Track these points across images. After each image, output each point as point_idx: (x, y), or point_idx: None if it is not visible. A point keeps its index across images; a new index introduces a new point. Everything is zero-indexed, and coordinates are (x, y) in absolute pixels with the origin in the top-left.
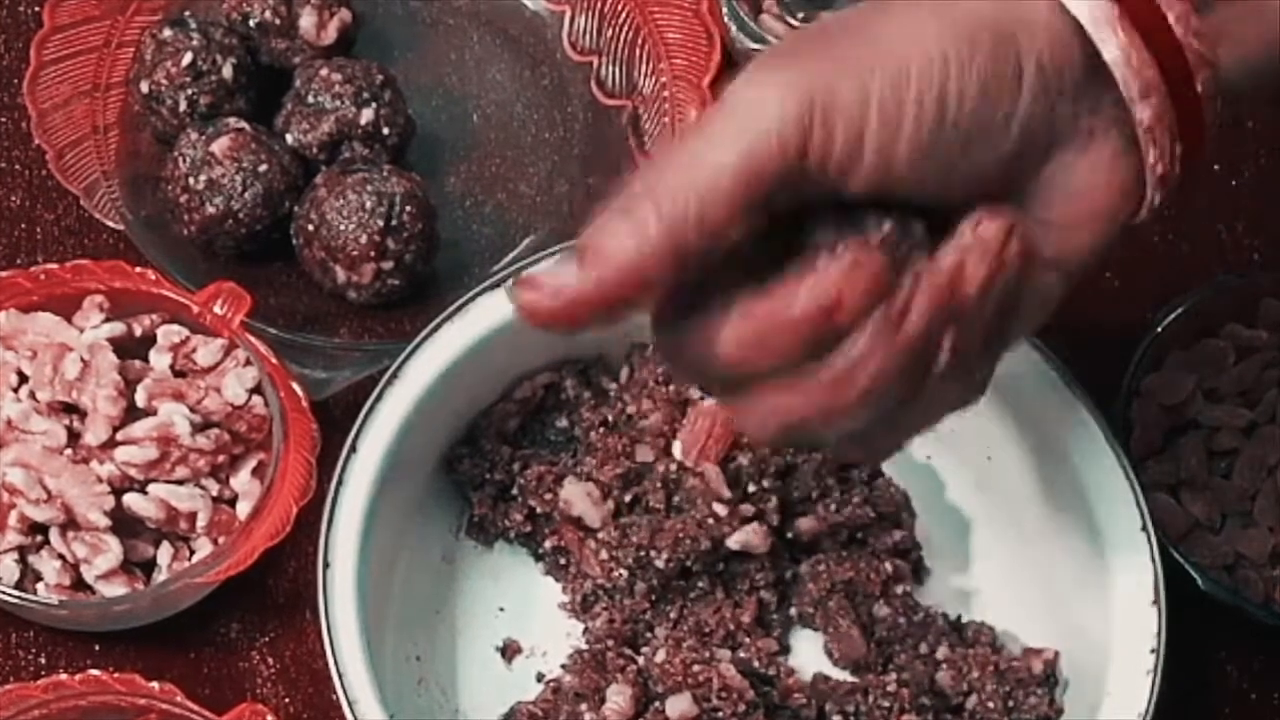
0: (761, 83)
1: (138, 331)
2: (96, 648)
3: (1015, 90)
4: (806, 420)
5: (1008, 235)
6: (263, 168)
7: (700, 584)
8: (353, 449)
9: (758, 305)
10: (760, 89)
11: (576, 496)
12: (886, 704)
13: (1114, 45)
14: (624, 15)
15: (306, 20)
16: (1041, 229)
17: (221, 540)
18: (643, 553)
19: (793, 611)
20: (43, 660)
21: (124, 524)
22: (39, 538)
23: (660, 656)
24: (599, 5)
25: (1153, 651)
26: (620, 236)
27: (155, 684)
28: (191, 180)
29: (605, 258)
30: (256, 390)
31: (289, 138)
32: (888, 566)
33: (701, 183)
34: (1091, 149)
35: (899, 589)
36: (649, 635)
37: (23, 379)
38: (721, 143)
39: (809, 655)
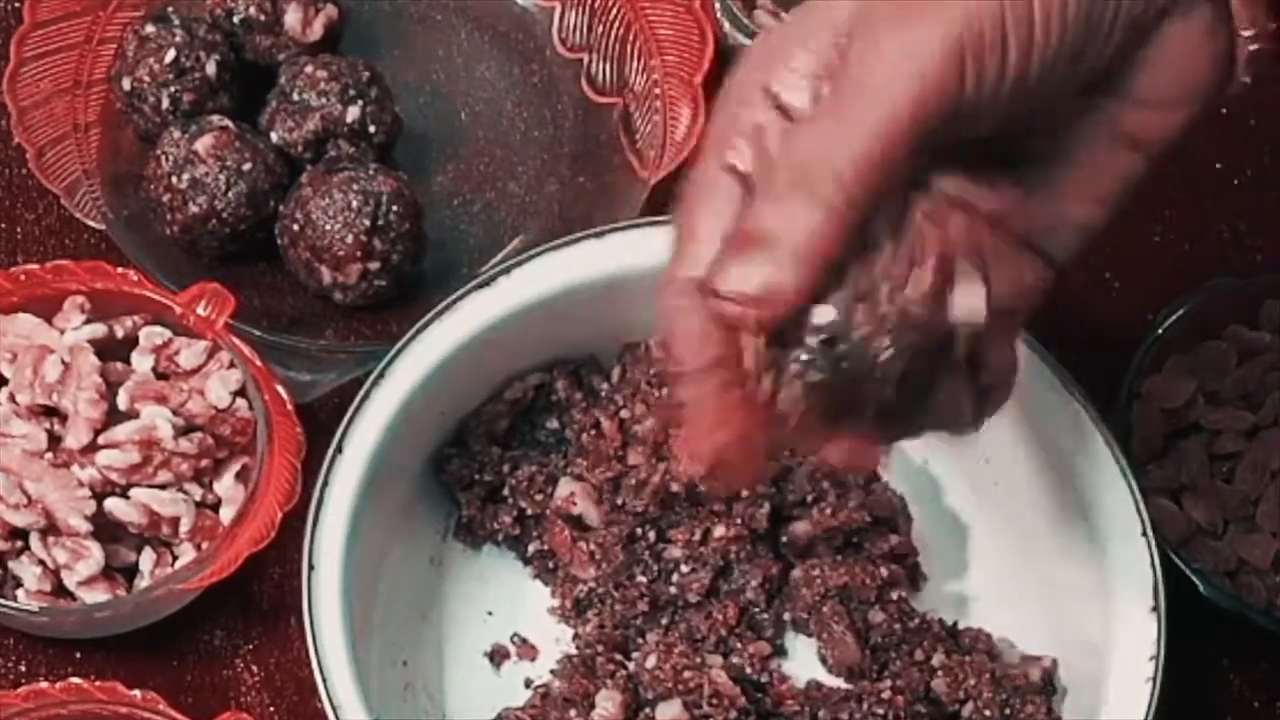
0: (911, 23)
1: (119, 333)
2: (77, 655)
3: None
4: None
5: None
6: (247, 166)
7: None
8: (338, 450)
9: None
10: (911, 30)
11: (578, 495)
12: (881, 711)
13: None
14: (615, 11)
15: (292, 16)
16: (1134, 109)
17: (205, 546)
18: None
19: (786, 616)
20: (23, 668)
21: (105, 529)
22: (19, 543)
23: (651, 662)
24: (589, 1)
25: (1152, 659)
26: (805, 218)
27: (137, 692)
28: (174, 179)
29: (797, 243)
30: (240, 393)
31: (274, 136)
32: (883, 571)
33: (877, 141)
34: (1183, 28)
35: (894, 594)
36: (639, 640)
37: (2, 381)
38: (889, 94)
39: (803, 661)
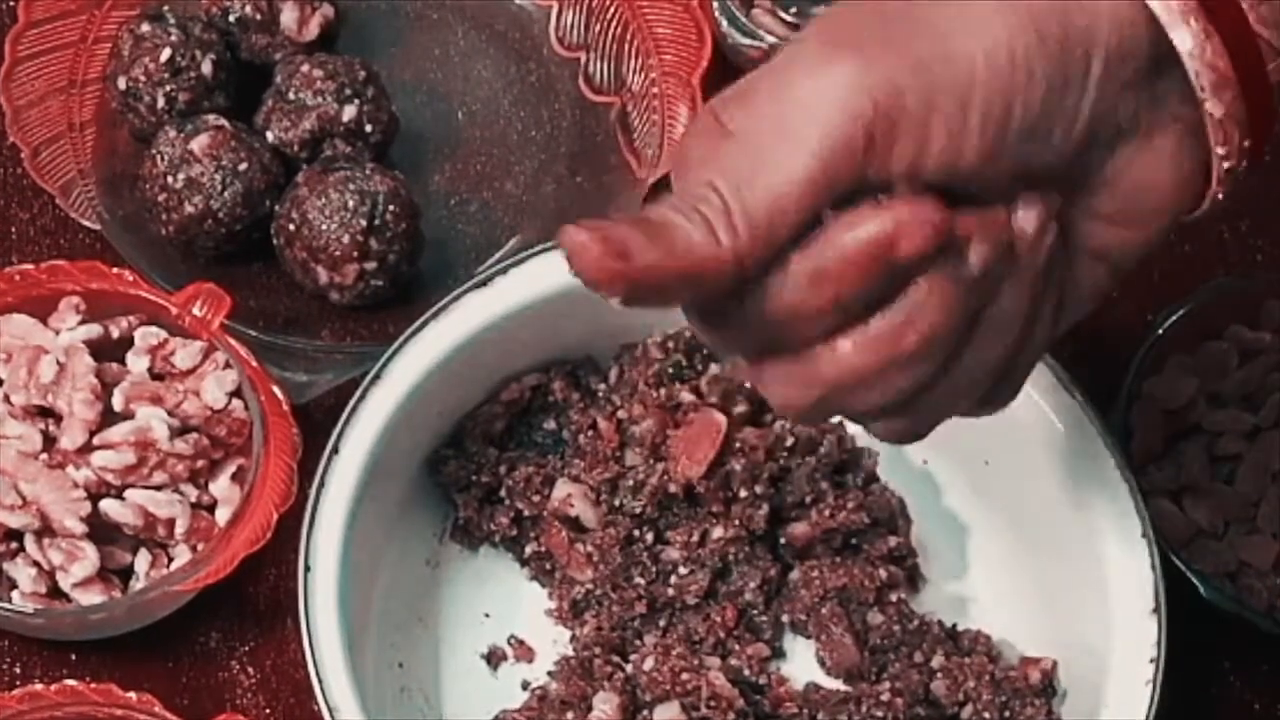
0: (826, 76)
1: (115, 333)
2: (73, 657)
3: (1081, 87)
4: (861, 376)
5: (1044, 223)
6: (243, 166)
7: (685, 570)
8: (335, 451)
9: (813, 243)
10: (826, 84)
11: (575, 496)
12: (880, 714)
13: (1187, 36)
14: (612, 10)
15: (288, 15)
16: (1097, 223)
17: (200, 547)
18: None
19: (785, 618)
20: (17, 670)
21: (101, 530)
22: (14, 544)
23: (648, 664)
24: (587, 0)
25: (1152, 661)
26: (690, 232)
27: (132, 694)
28: (170, 179)
29: (672, 246)
30: (236, 394)
31: (270, 135)
32: (882, 573)
33: (775, 191)
34: (1153, 143)
35: (893, 596)
36: (637, 642)
37: None
38: (792, 146)
39: (801, 663)
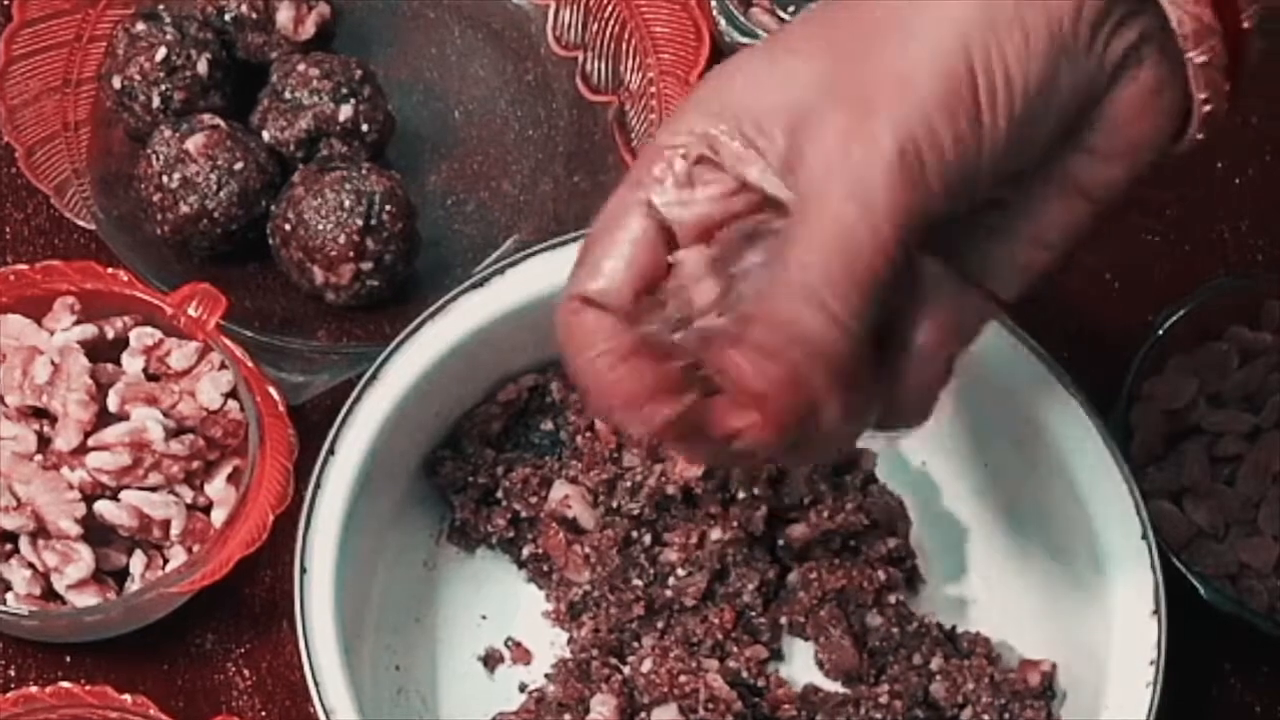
0: (876, 142)
1: (110, 334)
2: (67, 659)
3: (1073, 54)
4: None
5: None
6: (238, 166)
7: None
8: (331, 451)
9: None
10: (877, 149)
11: (573, 498)
12: (879, 716)
13: None
14: (610, 9)
15: (284, 14)
16: (1081, 156)
17: (196, 549)
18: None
19: (783, 620)
20: (12, 672)
21: (96, 532)
22: (8, 546)
23: (646, 666)
24: None
25: (1152, 663)
26: (813, 331)
27: (128, 696)
28: (165, 179)
29: (805, 345)
30: (232, 394)
31: (265, 135)
32: (881, 575)
33: (866, 265)
34: (1133, 84)
35: (892, 598)
36: (635, 645)
37: None
38: (874, 215)
39: (800, 665)
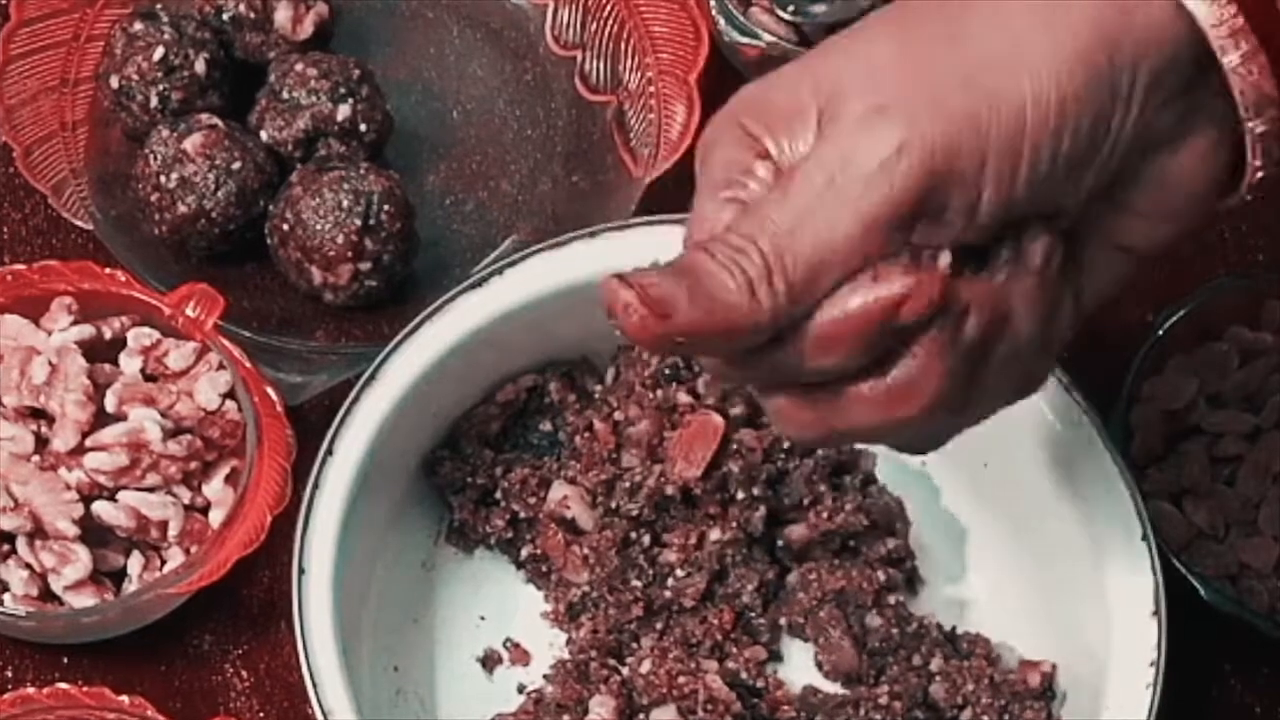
0: (875, 137)
1: (107, 334)
2: (65, 660)
3: (1126, 108)
4: (866, 430)
5: (1049, 255)
6: (236, 165)
7: (681, 574)
8: (329, 452)
9: (825, 303)
10: (876, 145)
11: (571, 498)
12: (878, 717)
13: (1235, 56)
14: (609, 8)
15: (282, 14)
16: (1127, 217)
17: (194, 550)
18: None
19: (782, 621)
20: (9, 673)
21: (93, 533)
22: (5, 547)
23: (645, 667)
24: None
25: (1152, 664)
26: (730, 290)
27: (125, 698)
28: (163, 178)
29: (711, 306)
30: (230, 395)
31: (263, 134)
32: (880, 576)
33: (818, 256)
34: (1187, 146)
35: (892, 599)
36: (634, 645)
37: None
38: (840, 209)
39: (799, 666)
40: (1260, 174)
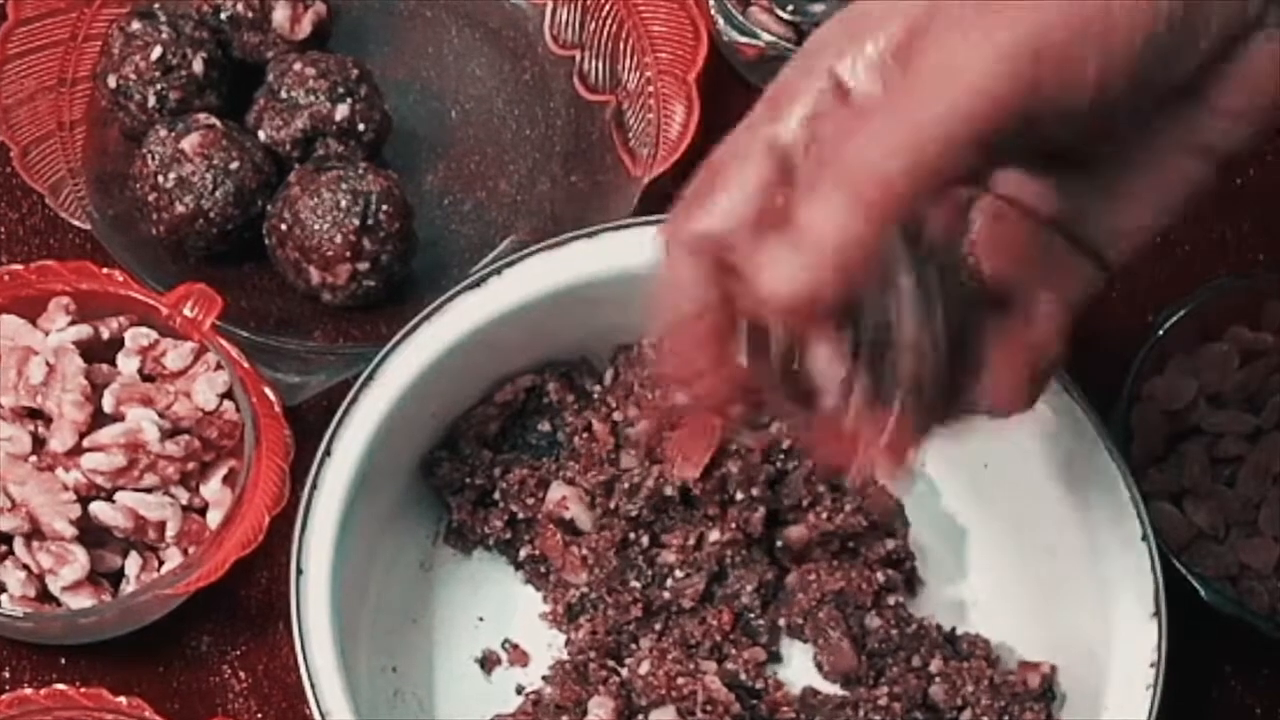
0: (981, 29)
1: (105, 334)
2: (62, 661)
3: None
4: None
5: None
6: (234, 165)
7: (681, 574)
8: (327, 452)
9: None
10: (979, 37)
11: (570, 499)
12: (878, 718)
13: None
14: (607, 8)
15: (280, 13)
16: (1205, 116)
17: (191, 550)
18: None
19: (782, 622)
20: (6, 674)
21: (91, 533)
22: (3, 548)
23: (644, 668)
24: None
25: (1153, 665)
26: (846, 221)
27: (123, 699)
28: (160, 178)
29: (834, 245)
30: (228, 395)
31: (261, 134)
32: (880, 577)
33: (930, 148)
34: (1269, 41)
35: (891, 600)
36: (633, 646)
37: None
38: (947, 102)
39: (798, 667)
40: None
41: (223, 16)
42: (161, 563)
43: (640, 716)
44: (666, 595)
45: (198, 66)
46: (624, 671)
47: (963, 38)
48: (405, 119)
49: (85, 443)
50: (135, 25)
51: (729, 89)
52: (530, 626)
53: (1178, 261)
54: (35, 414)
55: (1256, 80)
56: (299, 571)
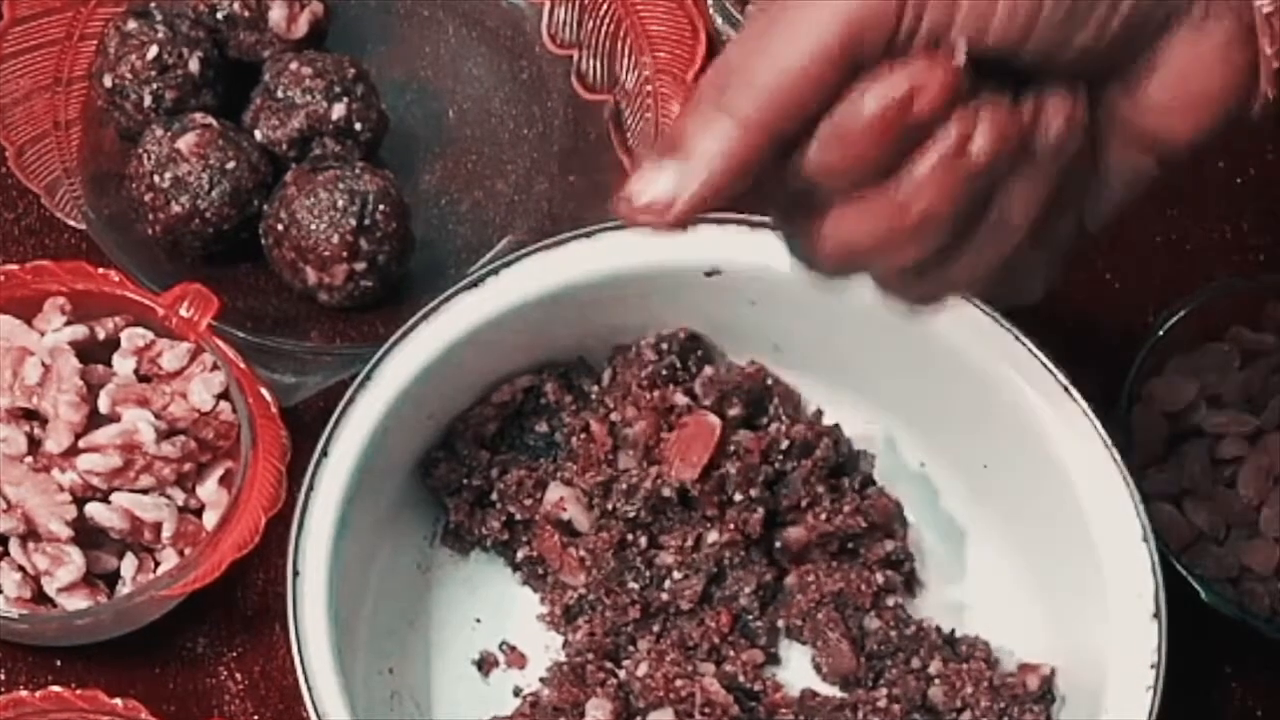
0: None
1: (101, 335)
2: (58, 663)
3: None
4: (867, 239)
5: (1075, 101)
6: (230, 165)
7: (679, 576)
8: (324, 453)
9: (836, 108)
10: None
11: (568, 500)
12: None
13: None
14: (605, 7)
15: (276, 13)
16: (1142, 109)
17: (188, 551)
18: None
19: (780, 624)
20: (2, 676)
21: (86, 535)
22: None
23: (642, 670)
24: None
25: (1153, 667)
26: (718, 133)
27: (118, 700)
28: (156, 178)
29: (703, 175)
30: (224, 396)
31: (258, 134)
32: (879, 578)
33: (797, 61)
34: (1202, 32)
35: (890, 601)
36: (631, 648)
37: None
38: (815, 16)
39: (797, 669)
40: (1276, 63)
41: (219, 16)
42: (157, 564)
43: (638, 718)
44: (665, 597)
45: (194, 66)
46: (622, 673)
47: None
48: (402, 119)
49: (81, 443)
50: (131, 24)
51: None
52: (528, 628)
53: (1178, 261)
54: (31, 415)
55: (1180, 73)
56: (295, 573)
